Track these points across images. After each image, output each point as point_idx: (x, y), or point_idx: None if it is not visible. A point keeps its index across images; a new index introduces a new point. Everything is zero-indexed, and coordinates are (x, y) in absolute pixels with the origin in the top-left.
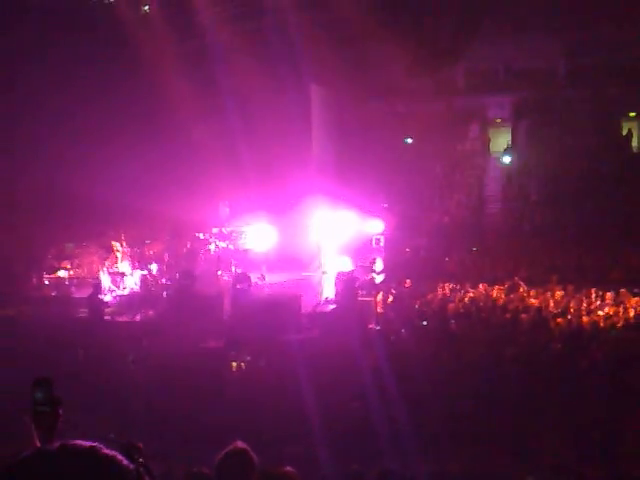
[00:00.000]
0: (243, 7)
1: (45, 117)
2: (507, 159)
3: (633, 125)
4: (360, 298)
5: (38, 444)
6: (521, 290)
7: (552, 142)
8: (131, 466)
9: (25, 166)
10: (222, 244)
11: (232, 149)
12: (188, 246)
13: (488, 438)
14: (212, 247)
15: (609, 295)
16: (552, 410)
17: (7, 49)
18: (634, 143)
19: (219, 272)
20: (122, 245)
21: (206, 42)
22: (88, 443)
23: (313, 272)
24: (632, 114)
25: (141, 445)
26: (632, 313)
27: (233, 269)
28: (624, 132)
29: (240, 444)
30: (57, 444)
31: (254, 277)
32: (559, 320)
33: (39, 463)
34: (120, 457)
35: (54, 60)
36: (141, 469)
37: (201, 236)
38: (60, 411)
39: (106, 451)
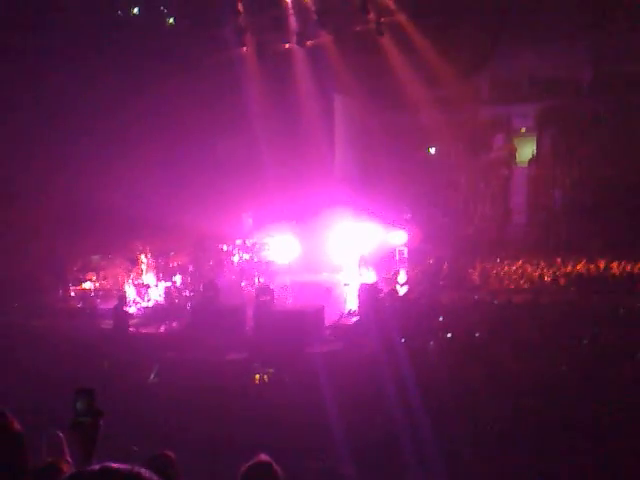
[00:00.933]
0: (267, 19)
1: (69, 130)
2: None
3: None
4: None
5: (68, 457)
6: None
7: (577, 151)
8: None
9: (50, 179)
10: (245, 256)
11: (256, 160)
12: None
13: (513, 455)
14: (236, 259)
15: None
16: (579, 429)
17: (36, 62)
18: None
19: (243, 283)
20: (147, 257)
21: (230, 54)
22: (128, 466)
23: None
24: None
25: (173, 455)
26: None
27: (256, 281)
28: None
29: (264, 457)
30: (98, 466)
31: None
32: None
33: None
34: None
35: (83, 72)
36: None
37: (225, 248)
38: (101, 422)
39: (146, 474)
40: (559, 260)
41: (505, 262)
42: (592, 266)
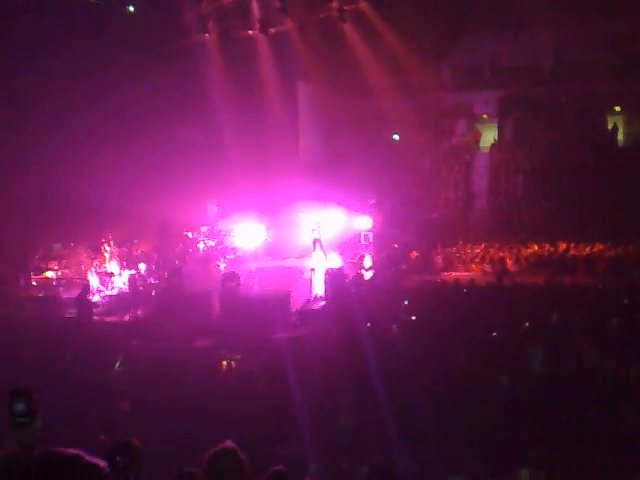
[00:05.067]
0: (230, 6)
1: (31, 118)
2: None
3: (618, 120)
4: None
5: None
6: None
7: (538, 137)
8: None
9: (11, 167)
10: (211, 242)
11: (220, 148)
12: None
13: (478, 437)
14: (201, 246)
15: None
16: (541, 409)
17: None
18: (619, 137)
19: (218, 262)
20: (110, 245)
21: (193, 41)
22: (73, 451)
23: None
24: (617, 109)
25: (137, 442)
26: None
27: (222, 267)
28: (609, 127)
29: (229, 444)
30: (41, 451)
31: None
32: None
33: (21, 470)
34: (103, 464)
35: (41, 59)
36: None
37: (190, 235)
38: (40, 422)
39: (89, 459)
40: (520, 243)
41: (468, 245)
42: (552, 248)
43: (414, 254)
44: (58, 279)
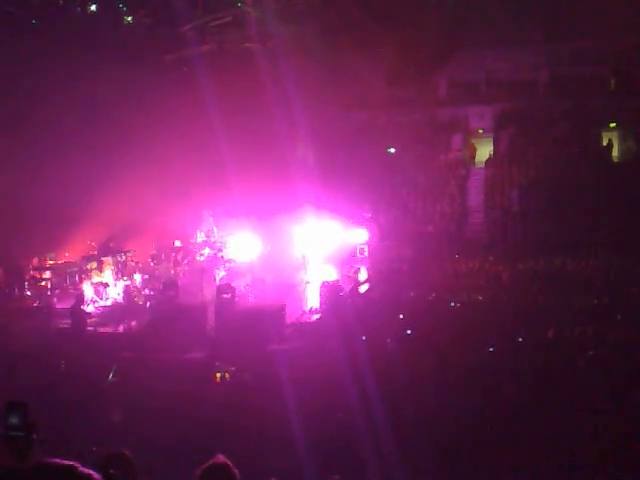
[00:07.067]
0: (227, 18)
1: (24, 127)
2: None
3: (613, 135)
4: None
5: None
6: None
7: (533, 152)
8: None
9: (4, 176)
10: (207, 251)
11: (216, 159)
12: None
13: (473, 453)
14: (198, 257)
15: None
16: (537, 425)
17: None
18: (614, 153)
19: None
20: (105, 255)
21: (190, 52)
22: (66, 462)
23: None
24: (612, 125)
25: (129, 454)
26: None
27: (217, 279)
28: (604, 142)
29: (221, 458)
30: (33, 462)
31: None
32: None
33: None
34: (96, 476)
35: (35, 65)
36: None
37: (179, 244)
38: (34, 436)
39: (83, 470)
40: (516, 258)
41: (463, 260)
42: (548, 263)
43: (404, 267)
44: (52, 289)
